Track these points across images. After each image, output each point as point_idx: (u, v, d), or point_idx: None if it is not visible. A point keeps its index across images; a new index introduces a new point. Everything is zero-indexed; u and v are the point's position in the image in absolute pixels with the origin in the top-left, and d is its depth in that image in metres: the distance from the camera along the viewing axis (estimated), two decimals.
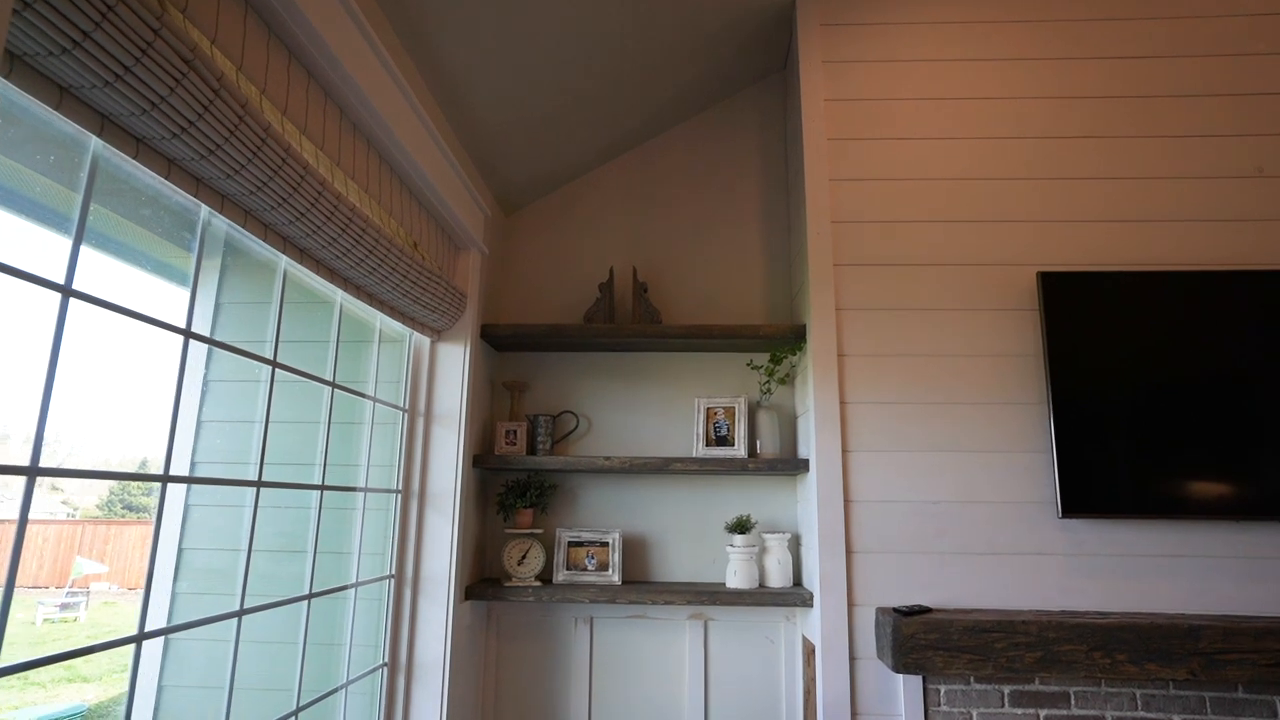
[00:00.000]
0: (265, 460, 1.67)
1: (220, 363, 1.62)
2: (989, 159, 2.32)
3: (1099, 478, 2.03)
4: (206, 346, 1.51)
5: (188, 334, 1.22)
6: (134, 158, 1.05)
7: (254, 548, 1.98)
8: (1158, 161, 2.28)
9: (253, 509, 1.53)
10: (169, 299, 1.79)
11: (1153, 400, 2.07)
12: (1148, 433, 2.05)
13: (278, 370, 1.69)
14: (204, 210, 1.28)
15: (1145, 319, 2.12)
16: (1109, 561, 2.04)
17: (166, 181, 1.11)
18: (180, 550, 1.88)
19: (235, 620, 1.53)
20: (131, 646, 1.21)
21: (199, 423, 1.88)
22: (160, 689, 1.76)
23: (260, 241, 1.36)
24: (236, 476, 1.74)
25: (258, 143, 1.17)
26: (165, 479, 1.16)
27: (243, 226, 1.30)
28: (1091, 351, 2.11)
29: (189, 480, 1.23)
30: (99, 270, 1.21)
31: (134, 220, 1.26)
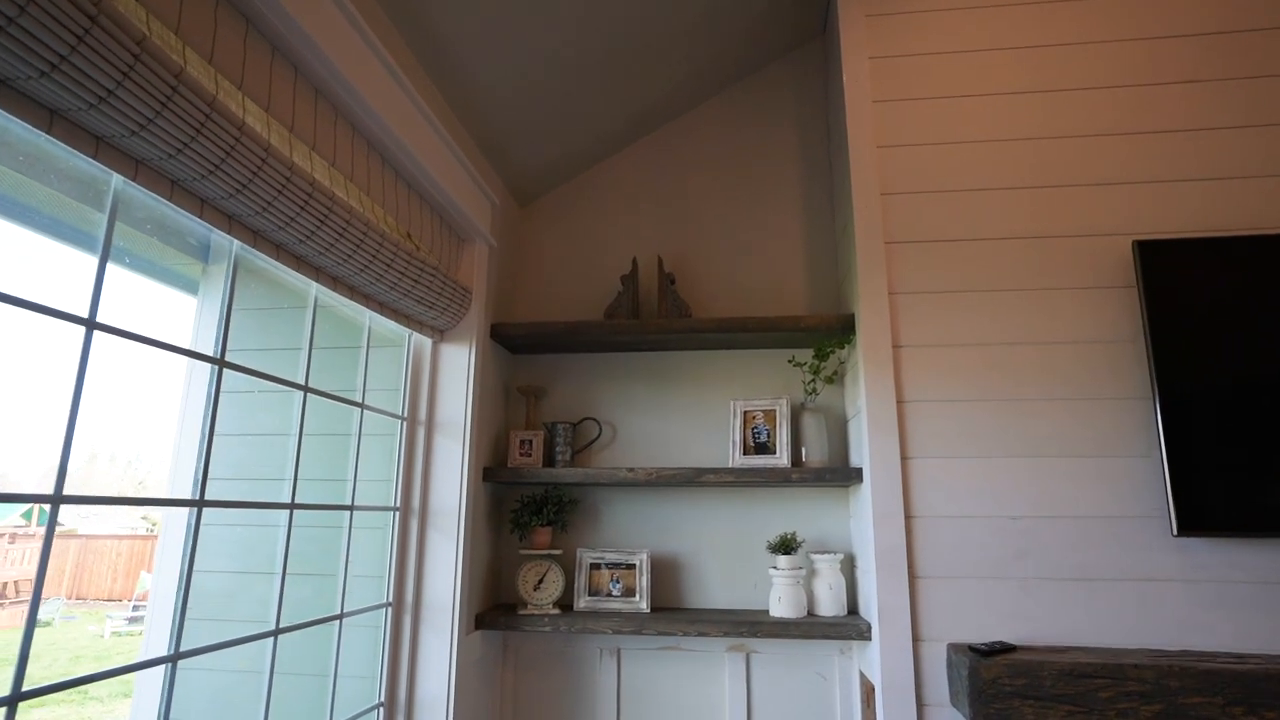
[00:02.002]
0: (228, 477, 1.49)
1: (232, 375, 1.44)
2: (1065, 113, 1.98)
3: (1224, 486, 1.66)
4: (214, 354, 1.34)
5: (91, 324, 1.03)
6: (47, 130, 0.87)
7: (252, 571, 1.82)
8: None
9: (197, 529, 1.33)
10: (179, 307, 1.64)
11: None
12: None
13: (266, 380, 1.51)
14: (115, 178, 1.09)
15: (1274, 292, 1.74)
16: (1241, 591, 1.67)
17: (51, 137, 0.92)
18: (182, 572, 1.72)
19: (197, 658, 1.33)
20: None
21: (201, 437, 1.73)
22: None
23: (197, 219, 1.17)
24: (237, 493, 1.57)
25: (168, 92, 0.98)
26: (57, 499, 0.96)
27: (169, 199, 1.10)
28: (1205, 334, 1.75)
29: (83, 500, 1.03)
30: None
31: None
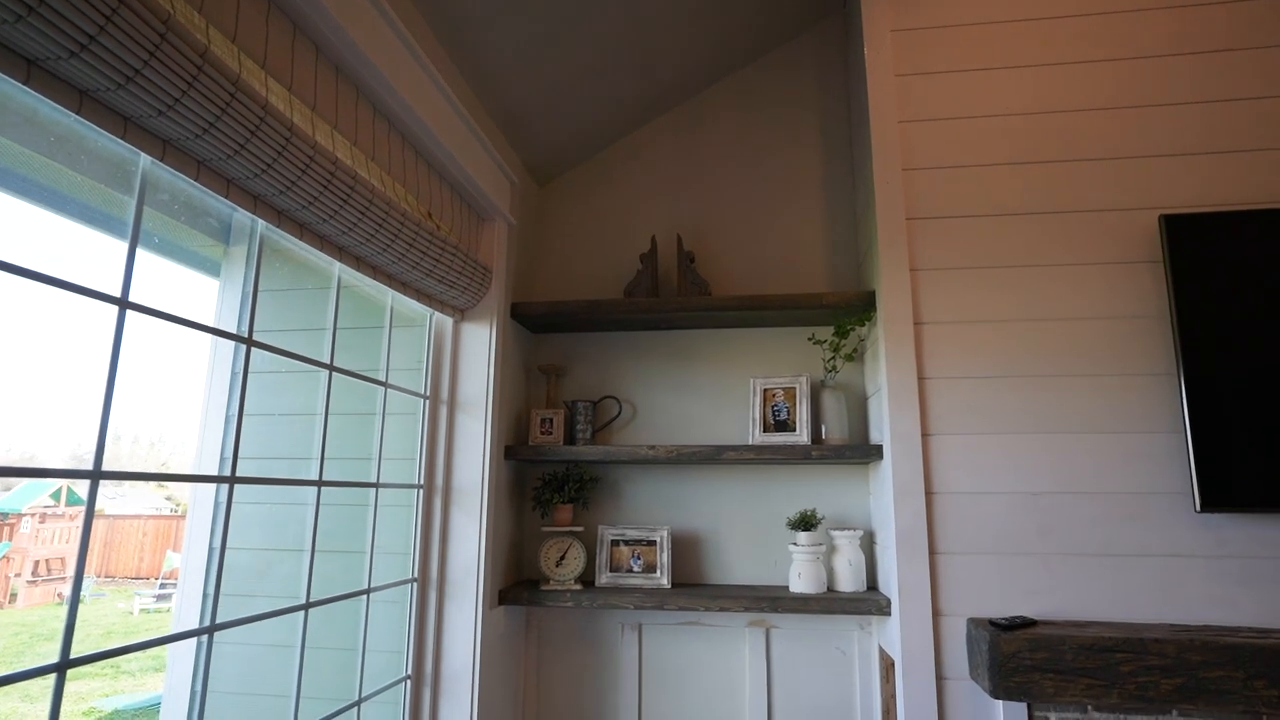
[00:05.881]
0: (254, 456, 1.52)
1: (257, 355, 1.45)
2: (1089, 86, 1.94)
3: (1248, 463, 1.65)
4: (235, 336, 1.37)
5: (124, 304, 1.04)
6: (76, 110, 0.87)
7: (280, 548, 1.86)
8: None
9: (229, 505, 1.35)
10: (201, 289, 1.66)
11: None
12: None
13: (291, 360, 1.53)
14: (144, 159, 1.10)
15: None
16: (1265, 566, 1.66)
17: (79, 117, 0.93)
18: (210, 549, 1.76)
19: (228, 632, 1.36)
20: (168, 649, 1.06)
21: (226, 418, 1.76)
22: (192, 693, 1.65)
23: (224, 199, 1.18)
24: (264, 472, 1.60)
25: (193, 71, 0.98)
26: (96, 475, 0.98)
27: (196, 179, 1.11)
28: (1232, 309, 1.73)
29: (122, 476, 1.05)
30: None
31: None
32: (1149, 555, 1.71)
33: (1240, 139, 1.86)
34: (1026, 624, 1.64)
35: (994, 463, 1.81)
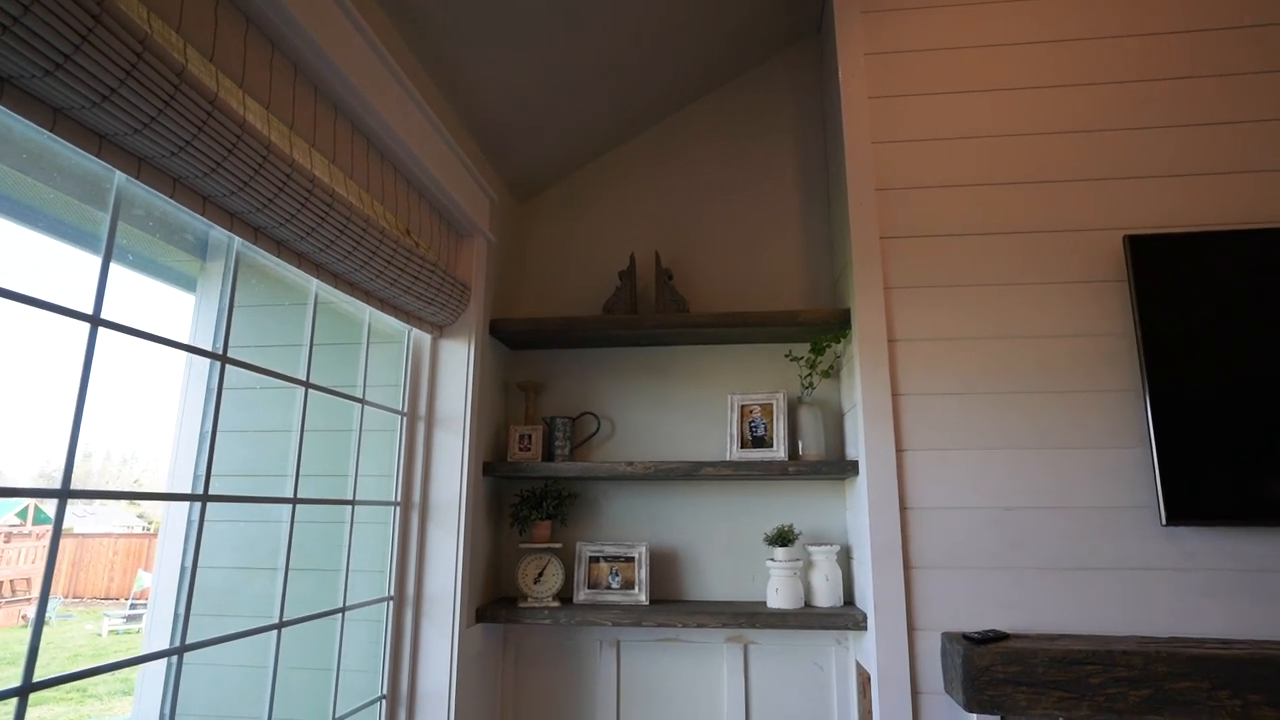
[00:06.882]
0: (229, 474, 1.50)
1: (232, 371, 1.43)
2: (1059, 109, 2.00)
3: (1212, 477, 1.69)
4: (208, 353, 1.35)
5: (96, 321, 1.04)
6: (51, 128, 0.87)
7: (254, 566, 1.83)
8: (1275, 102, 1.92)
9: (202, 523, 1.34)
10: (177, 304, 1.65)
11: (1277, 382, 1.71)
12: (1273, 420, 1.70)
13: (267, 376, 1.52)
14: (118, 176, 1.10)
15: (1263, 286, 1.77)
16: (1229, 578, 1.70)
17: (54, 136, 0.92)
18: (182, 568, 1.73)
19: (199, 653, 1.34)
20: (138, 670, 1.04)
21: (200, 434, 1.74)
22: (161, 716, 1.61)
23: (199, 216, 1.18)
24: (238, 490, 1.58)
25: (170, 90, 0.98)
26: (65, 494, 0.97)
27: (171, 196, 1.11)
28: (1195, 327, 1.78)
29: (91, 495, 1.04)
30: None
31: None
32: (1117, 568, 1.74)
33: (1203, 163, 1.92)
34: (999, 637, 1.66)
35: (967, 478, 1.83)
